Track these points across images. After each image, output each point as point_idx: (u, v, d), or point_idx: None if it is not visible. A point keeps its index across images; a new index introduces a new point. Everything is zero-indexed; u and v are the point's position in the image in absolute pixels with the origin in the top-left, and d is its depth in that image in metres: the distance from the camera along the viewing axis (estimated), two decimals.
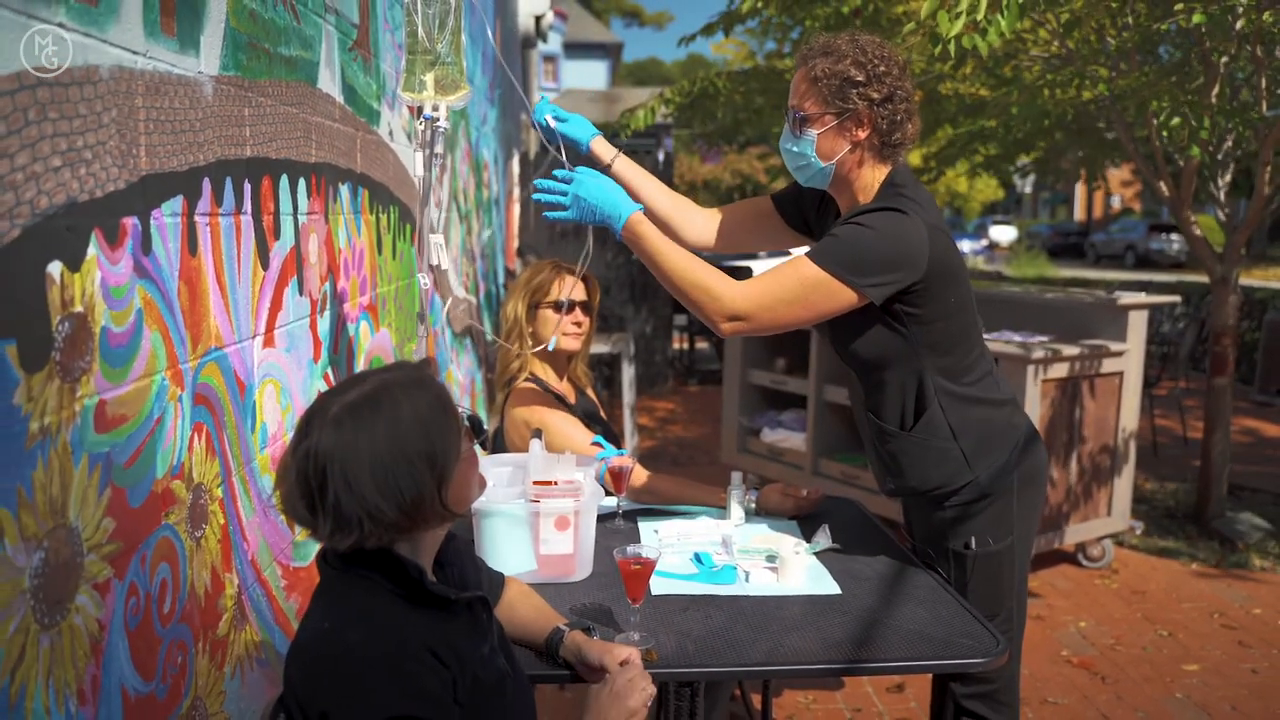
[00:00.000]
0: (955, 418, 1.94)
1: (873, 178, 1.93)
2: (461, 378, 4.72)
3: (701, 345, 10.14)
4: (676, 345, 9.73)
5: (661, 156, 8.37)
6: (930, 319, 1.88)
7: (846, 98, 1.85)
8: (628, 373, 5.69)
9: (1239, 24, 3.83)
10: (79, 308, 1.19)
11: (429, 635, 1.25)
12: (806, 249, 1.90)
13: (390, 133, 3.00)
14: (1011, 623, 2.05)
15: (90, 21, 1.21)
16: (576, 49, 25.69)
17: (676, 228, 2.20)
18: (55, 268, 1.14)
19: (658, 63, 41.33)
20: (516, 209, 8.01)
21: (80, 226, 1.20)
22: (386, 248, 2.94)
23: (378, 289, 2.82)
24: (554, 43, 22.08)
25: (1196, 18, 3.44)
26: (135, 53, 1.34)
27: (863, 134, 1.88)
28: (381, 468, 1.23)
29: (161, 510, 1.41)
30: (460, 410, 1.33)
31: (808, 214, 2.16)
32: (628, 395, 5.75)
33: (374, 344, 2.78)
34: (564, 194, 1.94)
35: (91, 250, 1.22)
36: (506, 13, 7.76)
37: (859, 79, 1.84)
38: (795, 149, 1.94)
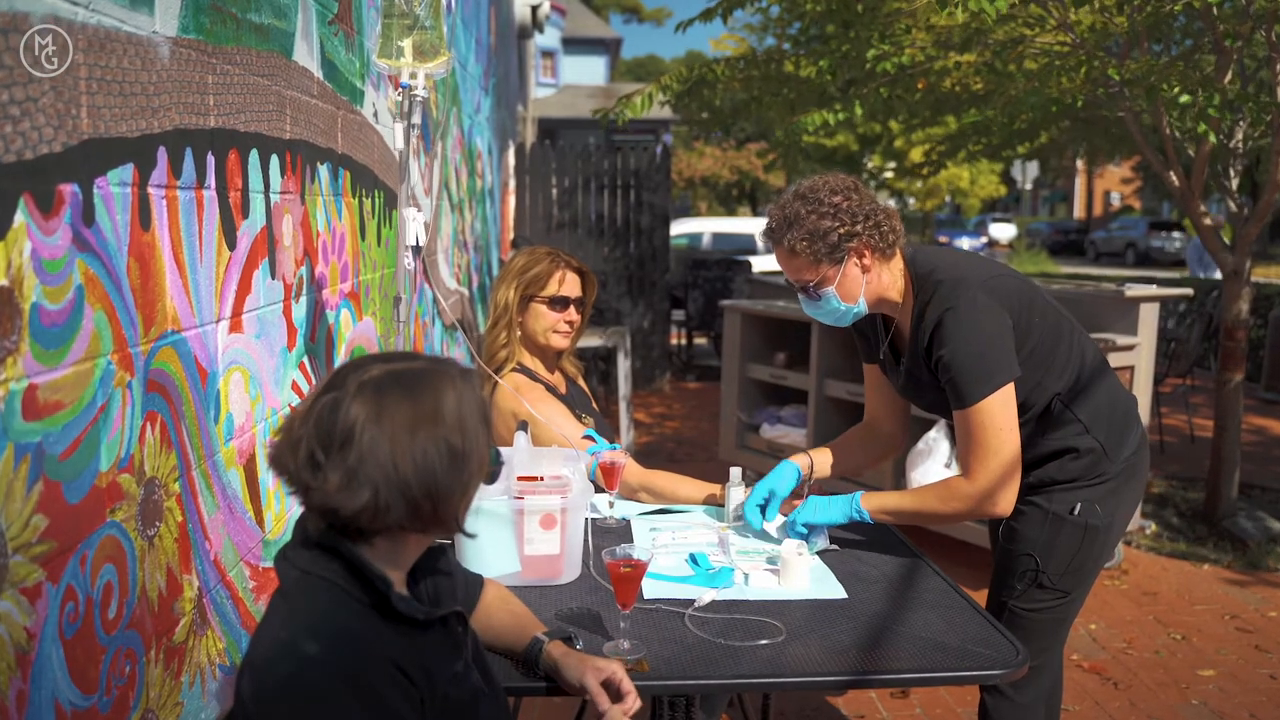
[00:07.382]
0: (1084, 412, 1.95)
1: (893, 276, 1.97)
2: None
3: (700, 341, 10.01)
4: (674, 340, 9.60)
5: (660, 150, 8.23)
6: (1030, 349, 1.89)
7: (836, 247, 1.88)
8: (623, 366, 5.55)
9: (1255, 3, 3.70)
10: (3, 280, 1.07)
11: (396, 650, 1.13)
12: (962, 409, 1.87)
13: (375, 114, 2.87)
14: (1072, 608, 2.02)
15: None
16: (575, 44, 25.49)
17: (879, 455, 2.29)
18: None
19: (657, 60, 41.06)
20: (512, 200, 7.87)
21: (5, 190, 1.07)
22: (370, 233, 2.81)
23: (360, 276, 2.70)
24: (552, 38, 21.91)
25: None
26: (75, 4, 1.21)
27: (868, 258, 1.91)
28: (420, 442, 1.11)
29: (106, 506, 1.29)
30: None
31: (877, 345, 2.15)
32: (624, 388, 5.61)
33: (356, 333, 2.65)
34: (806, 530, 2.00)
35: (19, 217, 1.10)
36: (502, 1, 7.63)
37: (834, 226, 1.87)
38: (823, 310, 1.97)
